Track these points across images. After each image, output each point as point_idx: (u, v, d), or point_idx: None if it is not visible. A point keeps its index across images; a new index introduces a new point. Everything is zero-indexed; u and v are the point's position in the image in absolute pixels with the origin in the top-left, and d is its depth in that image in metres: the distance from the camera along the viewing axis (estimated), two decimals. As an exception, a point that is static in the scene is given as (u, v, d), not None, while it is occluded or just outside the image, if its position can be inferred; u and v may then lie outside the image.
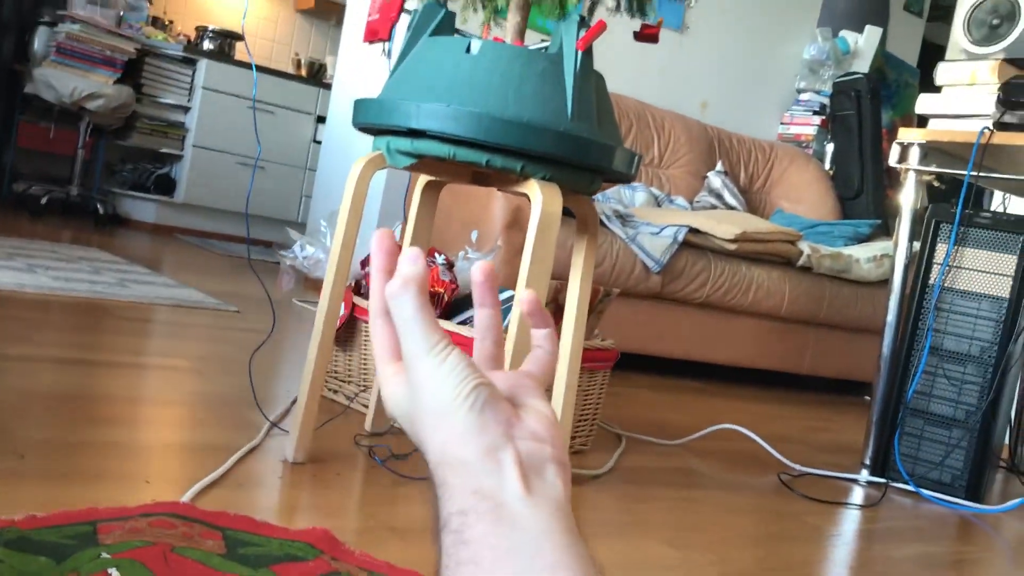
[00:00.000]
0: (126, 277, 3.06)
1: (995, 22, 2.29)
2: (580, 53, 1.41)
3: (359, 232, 1.49)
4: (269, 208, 5.38)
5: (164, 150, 5.18)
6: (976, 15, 2.32)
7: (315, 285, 3.51)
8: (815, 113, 4.63)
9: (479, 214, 2.84)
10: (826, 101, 4.56)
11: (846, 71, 4.55)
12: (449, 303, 1.88)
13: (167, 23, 5.43)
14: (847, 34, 4.76)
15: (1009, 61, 2.26)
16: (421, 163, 1.42)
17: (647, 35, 1.75)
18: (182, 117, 5.20)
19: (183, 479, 1.25)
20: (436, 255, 1.92)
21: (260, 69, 5.40)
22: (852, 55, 4.70)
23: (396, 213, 3.30)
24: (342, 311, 1.83)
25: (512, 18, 1.54)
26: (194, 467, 1.32)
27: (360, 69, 4.07)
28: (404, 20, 1.83)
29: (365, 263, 1.93)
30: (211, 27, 5.37)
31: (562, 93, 1.37)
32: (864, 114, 4.08)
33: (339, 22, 5.56)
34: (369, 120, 1.41)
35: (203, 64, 5.15)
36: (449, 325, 1.73)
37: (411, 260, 0.46)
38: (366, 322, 1.85)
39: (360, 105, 1.42)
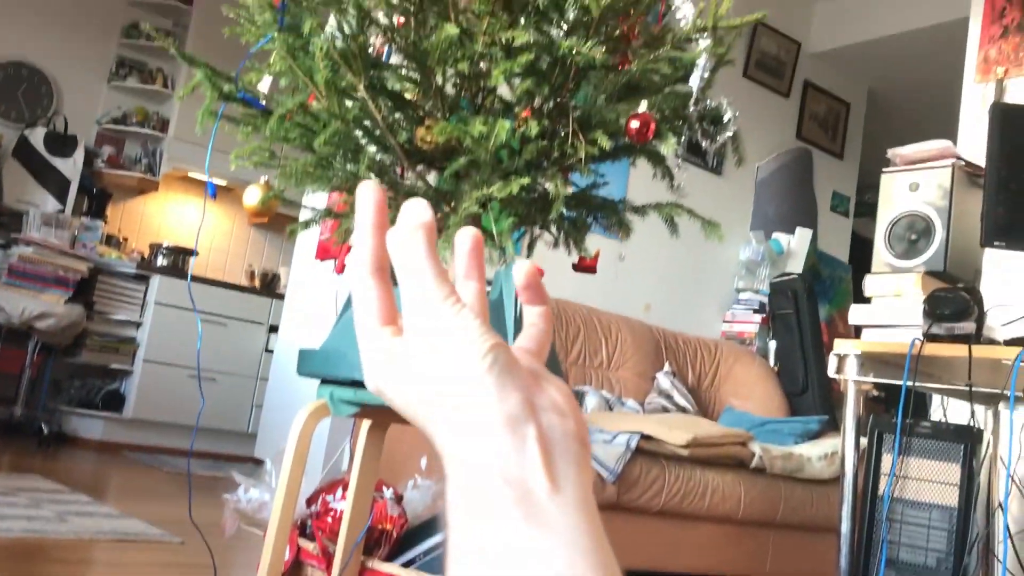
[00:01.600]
0: (66, 509, 2.95)
1: (913, 237, 2.43)
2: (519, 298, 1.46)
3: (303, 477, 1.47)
4: (220, 420, 5.29)
5: (114, 366, 5.13)
6: (895, 231, 2.46)
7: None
8: (755, 311, 4.78)
9: (427, 439, 2.82)
10: (765, 299, 4.73)
11: (781, 271, 4.75)
12: (398, 539, 1.83)
13: (121, 240, 5.53)
14: (780, 236, 5.00)
15: (930, 274, 2.38)
16: (365, 411, 1.43)
17: (585, 267, 1.83)
18: (133, 332, 5.19)
19: None
20: (384, 488, 1.90)
21: (211, 283, 5.46)
22: (786, 255, 4.93)
23: (342, 451, 3.28)
24: (287, 555, 1.77)
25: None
26: None
27: (313, 282, 4.15)
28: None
29: (311, 501, 1.90)
30: (165, 243, 5.47)
31: (503, 337, 1.41)
32: (802, 312, 4.23)
33: (292, 235, 5.70)
34: (313, 370, 1.43)
35: (156, 280, 5.20)
36: (393, 568, 1.68)
37: (422, 207, 0.43)
38: (311, 565, 1.79)
39: (304, 356, 1.45)
